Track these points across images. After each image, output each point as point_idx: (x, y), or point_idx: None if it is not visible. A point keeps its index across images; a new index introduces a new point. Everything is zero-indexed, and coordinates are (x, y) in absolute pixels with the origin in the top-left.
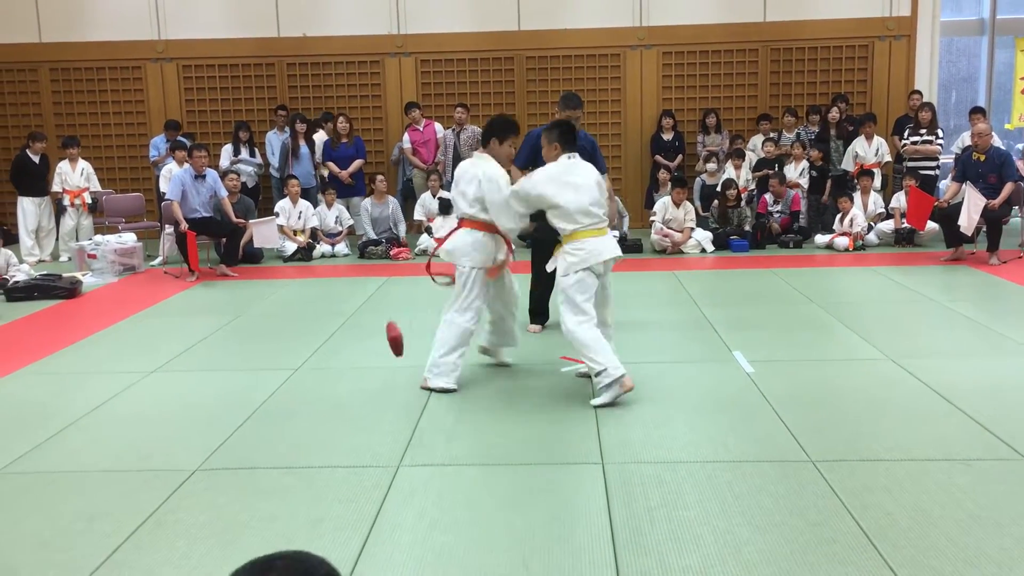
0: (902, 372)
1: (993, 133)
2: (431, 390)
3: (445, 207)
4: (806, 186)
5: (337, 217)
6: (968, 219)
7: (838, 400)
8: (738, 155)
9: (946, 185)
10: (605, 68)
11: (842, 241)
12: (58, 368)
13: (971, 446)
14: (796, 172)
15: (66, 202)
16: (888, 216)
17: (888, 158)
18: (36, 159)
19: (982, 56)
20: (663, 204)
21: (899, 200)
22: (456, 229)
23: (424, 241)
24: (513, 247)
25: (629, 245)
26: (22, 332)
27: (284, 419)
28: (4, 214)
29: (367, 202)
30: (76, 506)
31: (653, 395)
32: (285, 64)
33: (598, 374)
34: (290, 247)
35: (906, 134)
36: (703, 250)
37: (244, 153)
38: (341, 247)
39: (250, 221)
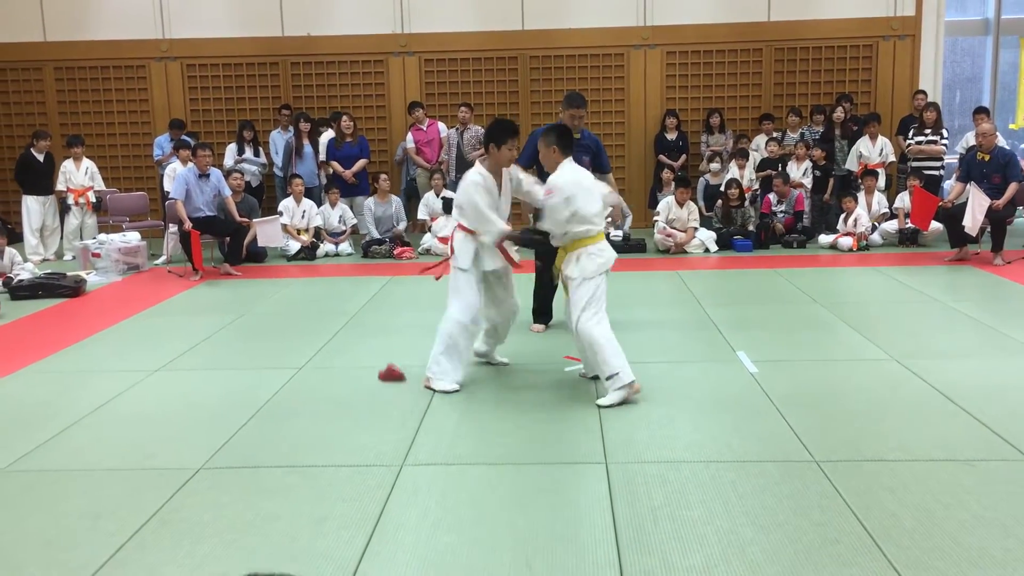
0: (906, 372)
1: (998, 133)
2: (433, 391)
3: (449, 206)
4: (809, 186)
5: (341, 216)
6: (972, 219)
7: (842, 400)
8: (742, 155)
9: (950, 185)
10: (609, 68)
11: (846, 241)
12: (62, 367)
13: (975, 447)
14: (799, 172)
15: (70, 201)
16: (892, 216)
17: (892, 158)
18: (41, 158)
19: (986, 56)
20: (667, 204)
21: (903, 200)
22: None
23: (427, 240)
24: (513, 256)
25: (632, 245)
26: (26, 331)
27: (288, 418)
28: (9, 213)
29: (370, 201)
30: (80, 505)
31: (657, 395)
32: (289, 63)
33: (610, 377)
34: (294, 246)
35: (911, 134)
36: (707, 250)
37: (248, 152)
38: (345, 246)
39: (254, 220)
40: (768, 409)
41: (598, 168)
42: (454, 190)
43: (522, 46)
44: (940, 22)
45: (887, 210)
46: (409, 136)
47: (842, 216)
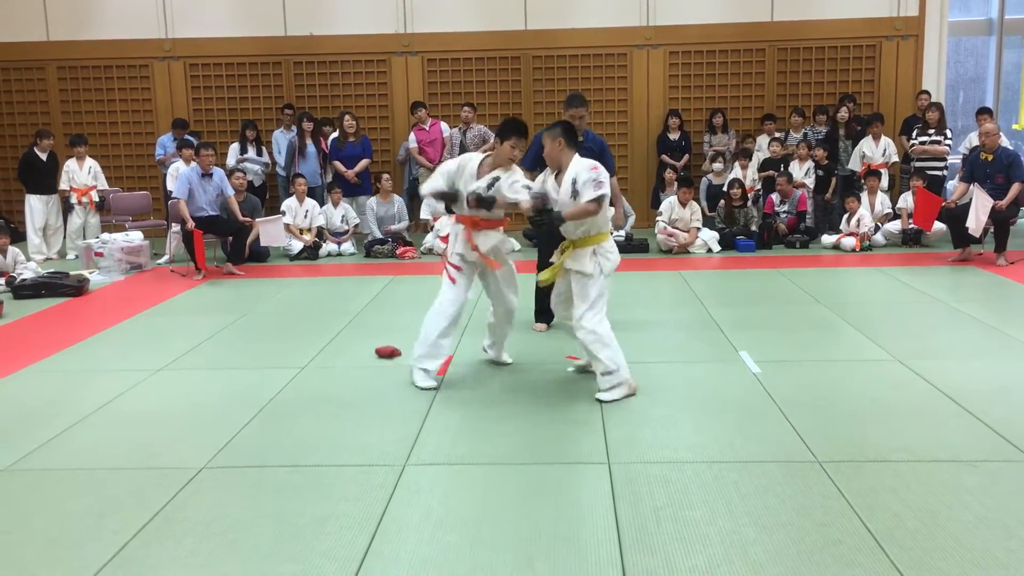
0: (909, 373)
1: (1001, 133)
2: (414, 384)
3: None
4: (812, 186)
5: (343, 216)
6: (976, 220)
7: (845, 401)
8: (745, 155)
9: (954, 185)
10: (612, 67)
11: (849, 241)
12: (65, 366)
13: (978, 447)
14: (801, 172)
15: (73, 200)
16: (895, 216)
17: (895, 158)
18: (44, 157)
19: (990, 56)
20: (669, 204)
21: (906, 200)
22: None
23: (430, 240)
24: (489, 256)
25: (635, 245)
26: (29, 330)
27: (290, 417)
28: (12, 212)
29: (373, 201)
30: (83, 504)
31: (659, 395)
32: (292, 63)
33: (610, 372)
34: (296, 246)
35: (914, 134)
36: (709, 250)
37: (251, 152)
38: (347, 246)
39: (256, 220)
40: (771, 409)
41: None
42: None
43: (525, 46)
44: (943, 22)
45: (890, 210)
46: (412, 136)
47: (845, 216)
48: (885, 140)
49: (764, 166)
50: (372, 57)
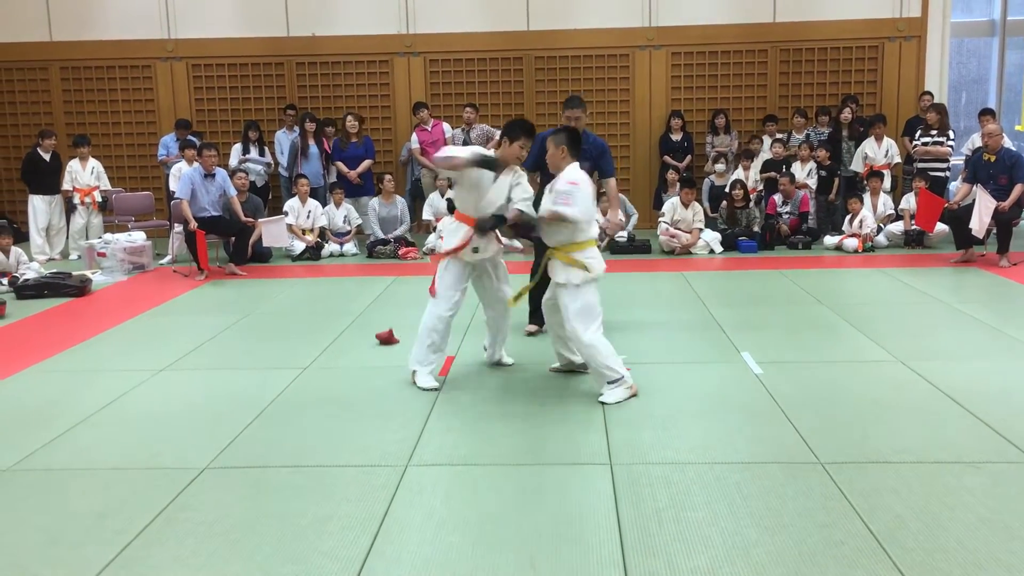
0: (911, 374)
1: (1004, 134)
2: (414, 384)
3: (453, 207)
4: (814, 186)
5: (346, 217)
6: (979, 222)
7: (847, 402)
8: (747, 156)
9: (956, 186)
10: (614, 68)
11: (851, 242)
12: (67, 366)
13: (981, 449)
14: (803, 173)
15: (76, 200)
16: (898, 218)
17: (898, 159)
18: (47, 157)
19: (992, 57)
20: (672, 205)
21: (909, 201)
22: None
23: (432, 241)
24: (502, 240)
25: (637, 246)
26: (32, 330)
27: (293, 418)
28: (15, 212)
29: (375, 202)
30: (85, 504)
31: (661, 396)
32: (294, 63)
33: (613, 382)
34: (299, 246)
35: (917, 135)
36: (711, 251)
37: (253, 152)
38: (350, 246)
39: (259, 220)
40: (773, 410)
41: (600, 173)
42: None
43: (527, 47)
44: (946, 23)
45: (892, 211)
46: (414, 137)
47: (847, 217)
48: (888, 141)
49: (766, 167)
50: (374, 58)
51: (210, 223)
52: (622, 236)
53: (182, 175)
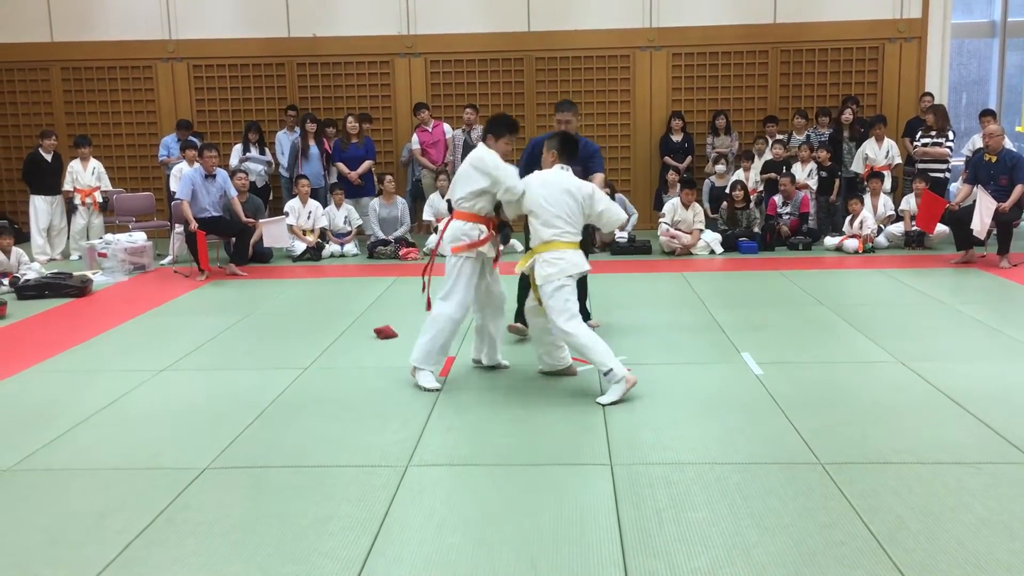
0: (912, 375)
1: (1005, 135)
2: (416, 384)
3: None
4: (815, 187)
5: (346, 217)
6: (980, 223)
7: (847, 402)
8: (747, 157)
9: (957, 187)
10: (615, 69)
11: (852, 243)
12: (68, 366)
13: (981, 449)
14: (804, 173)
15: (77, 201)
16: (898, 218)
17: (898, 160)
18: (48, 157)
19: (993, 58)
20: (672, 205)
21: (909, 202)
22: (449, 221)
23: (432, 242)
24: (501, 247)
25: (638, 247)
26: (33, 330)
27: (293, 418)
28: (16, 212)
29: (375, 202)
30: (86, 504)
31: (662, 396)
32: (295, 64)
33: (606, 372)
34: (299, 247)
35: (918, 136)
36: (712, 252)
37: (254, 153)
38: (350, 247)
39: (260, 220)
40: (773, 411)
41: (589, 170)
42: None
43: (528, 47)
44: (946, 24)
45: (893, 212)
46: (414, 137)
47: (848, 218)
48: (888, 142)
49: (766, 168)
50: (375, 58)
51: (211, 223)
52: (623, 237)
53: (183, 176)
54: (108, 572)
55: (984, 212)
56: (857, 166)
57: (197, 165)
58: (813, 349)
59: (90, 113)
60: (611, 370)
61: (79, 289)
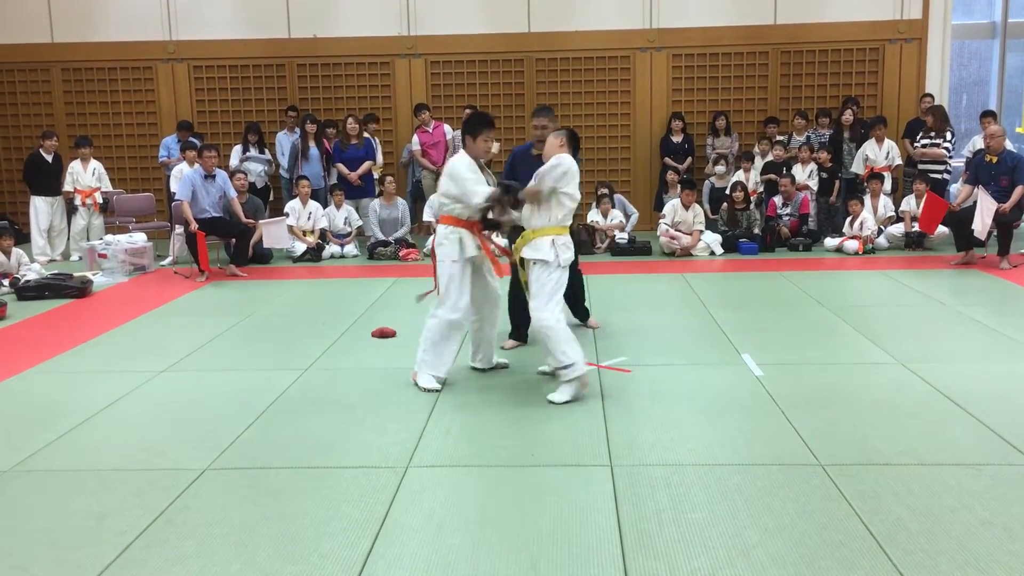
0: (912, 376)
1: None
2: (416, 385)
3: None
4: (815, 188)
5: (346, 218)
6: (982, 223)
7: (847, 403)
8: (747, 158)
9: (957, 188)
10: (615, 70)
11: (852, 244)
12: (68, 367)
13: (982, 451)
14: (804, 174)
15: (77, 202)
16: (898, 219)
17: (899, 161)
18: (49, 158)
19: (993, 59)
20: (672, 206)
21: (909, 203)
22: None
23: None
24: (492, 248)
25: (638, 247)
26: (33, 331)
27: (293, 419)
28: (16, 213)
29: (376, 203)
30: (86, 504)
31: (662, 397)
32: (295, 65)
33: (566, 367)
34: (299, 248)
35: (918, 137)
36: (712, 253)
37: (253, 153)
38: (350, 248)
39: (260, 221)
40: (773, 412)
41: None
42: None
43: (528, 48)
44: (947, 25)
45: (893, 213)
46: (415, 138)
47: (848, 219)
48: (888, 143)
49: (766, 169)
50: (376, 59)
51: (211, 224)
52: (623, 238)
53: (183, 176)
54: (108, 573)
55: (985, 213)
56: (857, 167)
57: (197, 166)
58: (813, 350)
59: (90, 114)
60: (573, 364)
61: (79, 290)
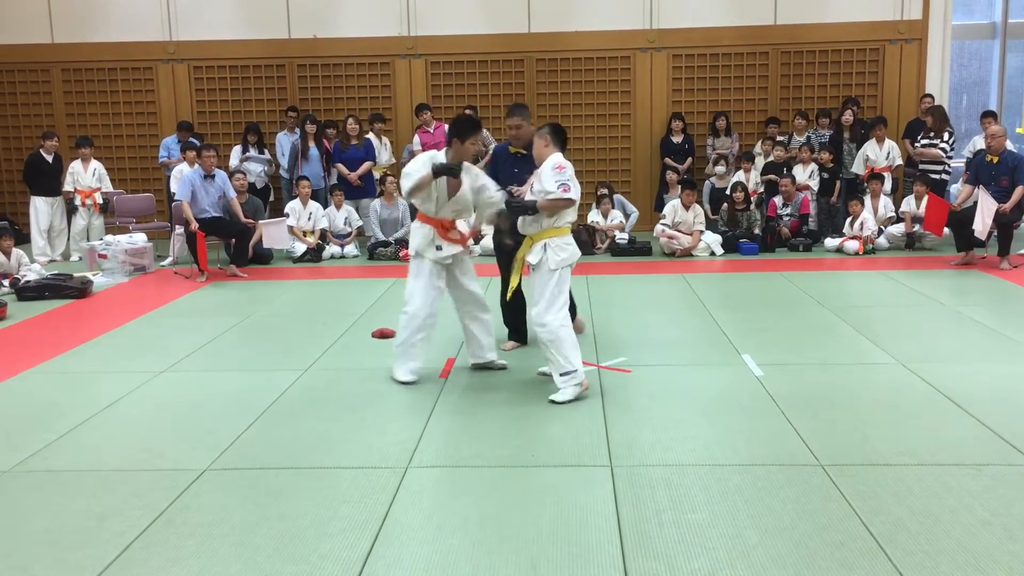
0: (912, 376)
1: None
2: (393, 378)
3: None
4: (815, 188)
5: (346, 218)
6: (982, 224)
7: (847, 404)
8: (747, 158)
9: (957, 189)
10: (615, 70)
11: (852, 244)
12: (69, 367)
13: (982, 451)
14: (804, 175)
15: (77, 202)
16: (898, 220)
17: (899, 161)
18: (50, 158)
19: (993, 60)
20: (672, 207)
21: (909, 204)
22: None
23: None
24: (469, 244)
25: (638, 248)
26: (33, 331)
27: (293, 419)
28: (16, 214)
29: (376, 203)
30: (86, 505)
31: (662, 398)
32: (296, 65)
33: (566, 373)
34: (300, 248)
35: (918, 137)
36: (712, 253)
37: (253, 153)
38: (350, 248)
39: (260, 222)
40: (773, 412)
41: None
42: None
43: (529, 48)
44: (947, 26)
45: (893, 214)
46: (416, 138)
47: (848, 219)
48: (889, 143)
49: (766, 169)
50: (376, 60)
51: (210, 224)
52: (623, 238)
53: (182, 177)
54: (108, 573)
55: (985, 213)
56: (858, 167)
57: (196, 166)
58: (813, 350)
59: (91, 114)
60: (575, 371)
61: (79, 290)
